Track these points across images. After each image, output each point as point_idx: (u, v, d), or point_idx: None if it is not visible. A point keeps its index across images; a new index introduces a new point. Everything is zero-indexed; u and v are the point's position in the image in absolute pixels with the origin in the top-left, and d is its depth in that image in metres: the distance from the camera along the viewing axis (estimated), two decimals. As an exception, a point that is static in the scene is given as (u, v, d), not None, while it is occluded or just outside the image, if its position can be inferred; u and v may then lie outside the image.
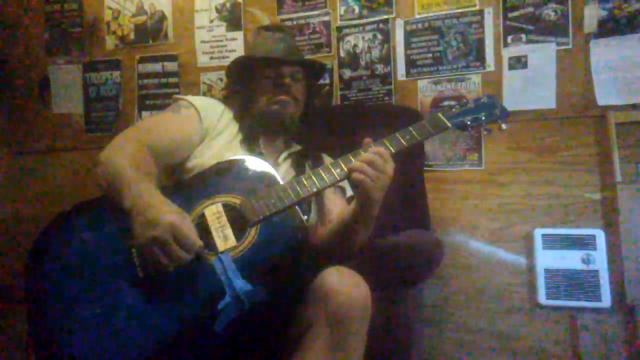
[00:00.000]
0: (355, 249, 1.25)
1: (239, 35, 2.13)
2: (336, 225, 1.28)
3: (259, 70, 1.39)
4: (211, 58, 2.16)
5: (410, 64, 1.96)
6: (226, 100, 1.48)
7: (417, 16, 1.95)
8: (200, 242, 0.97)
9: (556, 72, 1.80)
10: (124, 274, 0.98)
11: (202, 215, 1.05)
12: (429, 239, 1.40)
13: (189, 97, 1.36)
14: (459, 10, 1.90)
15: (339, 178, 1.12)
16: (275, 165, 1.39)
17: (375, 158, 1.07)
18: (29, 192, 2.35)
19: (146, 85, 2.24)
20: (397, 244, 1.30)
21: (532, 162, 1.83)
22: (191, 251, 0.96)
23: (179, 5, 2.21)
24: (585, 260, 1.71)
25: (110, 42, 2.28)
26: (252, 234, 1.04)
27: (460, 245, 1.88)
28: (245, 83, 1.43)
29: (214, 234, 1.02)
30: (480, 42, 1.88)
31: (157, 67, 2.23)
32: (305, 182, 1.10)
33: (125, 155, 1.08)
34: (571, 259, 1.73)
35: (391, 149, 1.14)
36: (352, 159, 1.12)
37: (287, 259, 1.03)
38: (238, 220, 1.05)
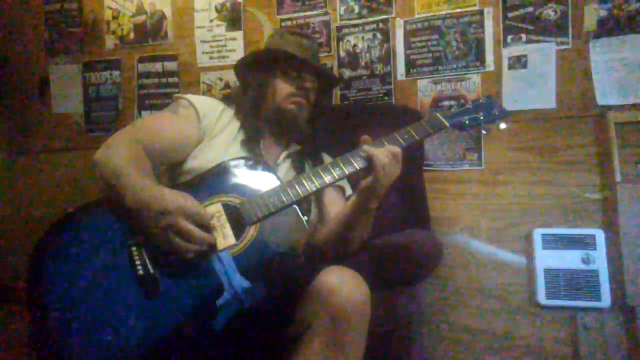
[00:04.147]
0: (355, 246, 1.25)
1: (239, 35, 2.13)
2: (335, 223, 1.28)
3: (283, 67, 1.38)
4: (211, 58, 2.16)
5: (410, 64, 1.96)
6: (226, 100, 1.47)
7: (417, 16, 1.95)
8: (210, 216, 1.00)
9: (556, 72, 1.80)
10: (124, 274, 0.98)
11: (202, 215, 1.06)
12: (429, 239, 1.40)
13: (189, 97, 1.35)
14: (459, 10, 1.91)
15: (338, 178, 1.12)
16: (276, 165, 1.38)
17: (396, 152, 1.11)
18: (29, 192, 2.35)
19: (146, 85, 2.24)
20: (397, 244, 1.30)
21: (532, 162, 1.83)
22: (207, 224, 0.98)
23: (179, 5, 2.21)
24: (585, 260, 1.71)
25: (110, 42, 2.29)
26: (251, 233, 1.04)
27: (460, 245, 1.88)
28: (263, 77, 1.40)
29: (214, 233, 1.02)
30: (480, 42, 1.88)
31: (157, 67, 2.23)
32: (304, 182, 1.11)
33: (121, 155, 1.08)
34: (571, 259, 1.73)
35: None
36: (353, 160, 1.13)
37: (286, 257, 1.04)
38: (238, 220, 1.06)
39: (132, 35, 2.26)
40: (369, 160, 1.11)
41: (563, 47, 1.80)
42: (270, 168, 1.18)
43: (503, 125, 1.26)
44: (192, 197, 1.01)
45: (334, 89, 1.64)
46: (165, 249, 0.97)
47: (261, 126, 1.38)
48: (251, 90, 1.41)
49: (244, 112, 1.39)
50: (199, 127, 1.31)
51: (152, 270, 0.98)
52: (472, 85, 1.89)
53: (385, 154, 1.10)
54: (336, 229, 1.27)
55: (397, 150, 1.12)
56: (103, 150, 1.12)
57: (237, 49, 2.13)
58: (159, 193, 0.98)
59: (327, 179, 1.12)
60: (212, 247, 1.00)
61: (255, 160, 1.20)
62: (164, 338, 0.93)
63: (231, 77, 2.04)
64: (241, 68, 1.48)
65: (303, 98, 1.37)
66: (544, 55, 1.82)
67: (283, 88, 1.37)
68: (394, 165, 1.11)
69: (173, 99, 1.38)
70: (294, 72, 1.38)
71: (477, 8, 1.89)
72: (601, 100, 1.76)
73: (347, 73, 2.01)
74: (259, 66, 1.43)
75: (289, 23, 2.07)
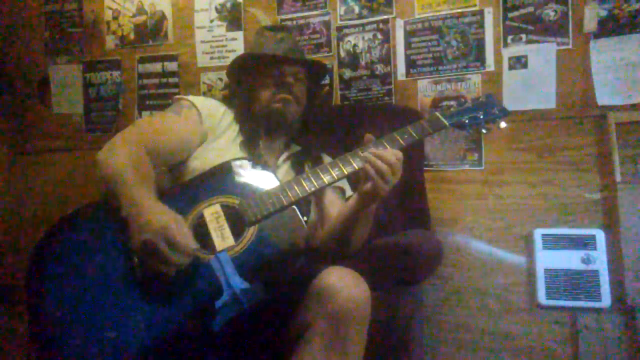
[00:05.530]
0: (355, 246, 1.26)
1: (239, 35, 2.13)
2: (335, 223, 1.28)
3: (262, 68, 1.39)
4: (211, 58, 2.16)
5: (410, 64, 1.95)
6: (226, 101, 1.48)
7: (417, 16, 1.94)
8: (194, 245, 0.97)
9: (556, 72, 1.80)
10: (123, 275, 0.99)
11: (201, 216, 1.06)
12: (429, 239, 1.40)
13: (191, 97, 1.36)
14: (459, 10, 1.90)
15: (337, 178, 1.12)
16: (275, 166, 1.39)
17: (393, 160, 1.08)
18: (29, 192, 2.35)
19: (146, 85, 2.24)
20: (397, 244, 1.30)
21: (532, 162, 1.83)
22: (185, 254, 0.95)
23: (179, 5, 2.21)
24: (585, 260, 1.71)
25: (110, 42, 2.28)
26: (250, 234, 1.04)
27: (460, 245, 1.88)
28: (247, 81, 1.43)
29: (213, 233, 1.02)
30: (480, 42, 1.88)
31: (157, 67, 2.23)
32: (303, 182, 1.11)
33: (122, 157, 1.08)
34: (571, 259, 1.73)
35: (389, 148, 1.14)
36: (352, 160, 1.12)
37: (285, 258, 1.04)
38: (237, 221, 1.06)
39: (132, 35, 2.26)
40: (361, 169, 1.09)
41: (563, 47, 1.80)
42: (270, 168, 1.18)
43: (503, 124, 1.25)
44: (183, 221, 0.99)
45: (324, 74, 1.62)
46: (142, 263, 0.96)
47: (257, 127, 1.38)
48: (240, 95, 1.42)
49: (239, 115, 1.40)
50: (201, 128, 1.32)
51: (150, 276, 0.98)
52: (472, 85, 1.89)
53: (383, 161, 1.07)
54: (336, 229, 1.27)
55: (396, 156, 1.09)
56: (105, 151, 1.12)
57: (237, 49, 2.13)
58: (149, 207, 0.98)
59: (326, 179, 1.12)
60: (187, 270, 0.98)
61: (255, 160, 1.20)
62: (163, 339, 0.93)
63: (231, 77, 2.04)
64: (229, 74, 1.51)
65: (286, 93, 1.37)
66: (544, 55, 1.81)
67: (265, 89, 1.38)
68: (394, 171, 1.09)
69: (174, 100, 1.39)
70: (273, 70, 1.38)
71: (477, 8, 1.89)
72: (601, 100, 1.75)
73: (347, 73, 2.01)
74: (242, 71, 1.45)
75: (289, 23, 2.06)
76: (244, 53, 1.49)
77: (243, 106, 1.41)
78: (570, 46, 1.79)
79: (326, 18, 2.04)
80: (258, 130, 1.38)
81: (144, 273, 0.97)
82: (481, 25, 1.88)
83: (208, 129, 1.33)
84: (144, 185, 1.04)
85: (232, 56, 2.09)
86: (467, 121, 1.22)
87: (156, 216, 0.95)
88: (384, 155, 1.08)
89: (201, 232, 1.04)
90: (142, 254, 0.95)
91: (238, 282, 0.96)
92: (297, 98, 1.41)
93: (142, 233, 0.94)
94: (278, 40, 1.42)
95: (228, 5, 2.15)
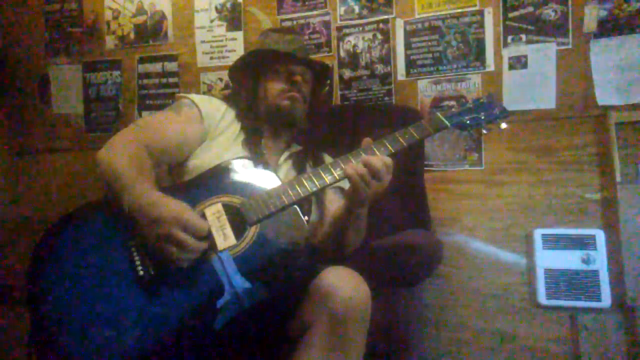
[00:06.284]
0: (348, 249, 1.25)
1: (239, 35, 2.13)
2: (330, 224, 1.29)
3: (270, 65, 1.39)
4: (211, 58, 2.16)
5: (410, 64, 1.96)
6: (228, 99, 1.48)
7: (417, 16, 1.95)
8: (207, 225, 0.98)
9: (556, 72, 1.80)
10: (124, 274, 0.98)
11: (203, 215, 1.06)
12: (429, 239, 1.40)
13: (192, 96, 1.35)
14: (459, 10, 1.91)
15: (338, 178, 1.12)
16: (276, 165, 1.39)
17: (379, 166, 1.06)
18: (29, 193, 2.35)
19: (146, 85, 2.24)
20: (397, 244, 1.30)
21: (532, 162, 1.83)
22: (202, 236, 0.96)
23: (179, 5, 2.21)
24: (585, 260, 1.71)
25: (110, 42, 2.28)
26: (251, 233, 1.04)
27: (460, 245, 1.88)
28: (254, 78, 1.42)
29: (214, 233, 1.02)
30: (480, 42, 1.88)
31: (157, 67, 2.23)
32: (304, 182, 1.11)
33: (123, 156, 1.08)
34: (571, 259, 1.73)
35: (390, 148, 1.14)
36: (352, 159, 1.12)
37: (286, 257, 1.03)
38: (238, 220, 1.06)
39: (132, 35, 2.26)
40: (346, 176, 1.08)
41: (563, 47, 1.80)
42: (271, 168, 1.18)
43: (504, 125, 1.25)
44: (189, 207, 1.00)
45: (328, 77, 1.63)
46: (159, 256, 0.96)
47: (260, 126, 1.38)
48: (245, 93, 1.42)
49: (243, 113, 1.39)
50: (201, 127, 1.32)
51: (152, 271, 0.98)
52: (472, 85, 1.89)
53: (367, 166, 1.06)
54: (331, 231, 1.27)
55: (383, 162, 1.07)
56: (106, 149, 1.12)
57: (237, 49, 2.13)
58: (157, 200, 0.98)
59: (328, 179, 1.12)
60: (206, 255, 0.99)
61: (256, 160, 1.20)
62: (164, 339, 0.93)
63: (231, 77, 2.04)
64: (233, 73, 1.50)
65: (295, 91, 1.37)
66: (544, 55, 1.82)
67: (274, 86, 1.38)
68: (379, 176, 1.06)
69: (175, 98, 1.39)
70: (281, 67, 1.38)
71: (477, 8, 1.89)
72: (601, 100, 1.75)
73: (347, 73, 2.01)
74: (249, 69, 1.44)
75: (289, 23, 2.07)
76: (253, 50, 1.47)
77: (247, 103, 1.41)
78: (570, 46, 1.80)
79: (326, 18, 2.04)
80: (261, 129, 1.38)
81: (144, 267, 0.97)
82: (481, 25, 1.88)
83: (208, 128, 1.33)
84: (146, 180, 1.04)
85: (232, 56, 2.10)
86: (468, 122, 1.22)
87: (166, 207, 0.96)
88: (369, 160, 1.06)
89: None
90: (159, 247, 0.95)
91: (239, 282, 0.96)
92: (304, 97, 1.41)
93: (156, 227, 0.94)
94: (287, 41, 1.42)
95: (228, 5, 2.15)
